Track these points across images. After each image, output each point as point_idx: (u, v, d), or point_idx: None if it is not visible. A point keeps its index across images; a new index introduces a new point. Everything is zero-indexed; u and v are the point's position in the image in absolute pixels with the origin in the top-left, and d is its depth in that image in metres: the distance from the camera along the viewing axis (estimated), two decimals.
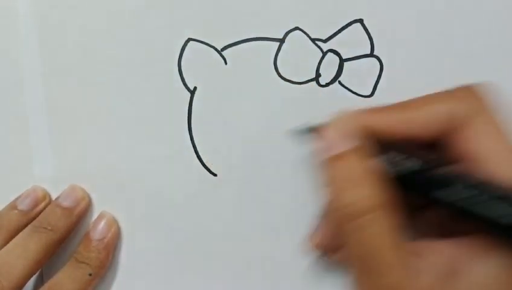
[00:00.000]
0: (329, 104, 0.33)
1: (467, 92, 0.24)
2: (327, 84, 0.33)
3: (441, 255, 0.23)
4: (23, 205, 0.33)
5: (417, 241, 0.24)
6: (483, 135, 0.23)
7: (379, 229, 0.22)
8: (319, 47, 0.32)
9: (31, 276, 0.31)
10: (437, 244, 0.23)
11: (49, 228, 0.32)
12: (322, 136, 0.25)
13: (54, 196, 0.34)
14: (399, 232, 0.23)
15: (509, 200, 0.21)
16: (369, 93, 0.33)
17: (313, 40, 0.32)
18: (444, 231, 0.25)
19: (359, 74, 0.32)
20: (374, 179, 0.23)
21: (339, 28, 0.32)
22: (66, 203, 0.33)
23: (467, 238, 0.23)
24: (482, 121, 0.23)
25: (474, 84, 0.24)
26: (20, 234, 0.32)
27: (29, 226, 0.32)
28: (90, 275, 0.32)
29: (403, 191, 0.24)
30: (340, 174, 0.24)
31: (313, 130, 0.29)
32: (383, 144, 0.24)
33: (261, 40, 0.32)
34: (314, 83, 0.33)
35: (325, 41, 0.32)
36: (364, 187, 0.23)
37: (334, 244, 0.29)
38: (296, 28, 0.32)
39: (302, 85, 0.33)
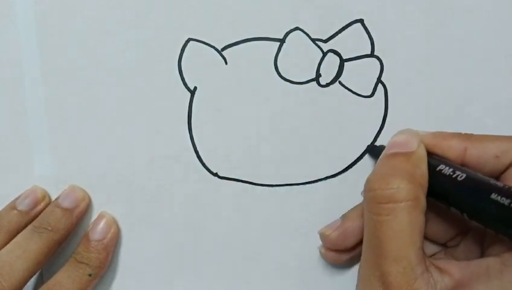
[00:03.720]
0: (330, 104, 0.33)
1: None
2: (327, 85, 0.33)
3: (461, 273, 0.24)
4: (22, 205, 0.33)
5: (440, 259, 0.25)
6: None
7: (404, 219, 0.24)
8: (319, 47, 0.32)
9: (31, 276, 0.31)
10: (460, 263, 0.24)
11: (49, 228, 0.32)
12: (392, 138, 0.28)
13: (54, 196, 0.34)
14: (422, 234, 0.24)
15: None
16: (369, 93, 0.33)
17: (313, 40, 0.32)
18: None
19: (359, 74, 0.32)
20: (418, 180, 0.25)
21: (339, 28, 0.32)
22: (65, 203, 0.33)
23: (490, 258, 0.24)
24: None
25: None
26: (20, 234, 0.32)
27: (29, 226, 0.32)
28: (89, 275, 0.32)
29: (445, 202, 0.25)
30: (393, 166, 0.26)
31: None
32: (439, 162, 0.26)
33: (261, 40, 0.32)
34: (314, 83, 0.33)
35: (325, 41, 0.32)
36: (406, 181, 0.24)
37: (348, 244, 0.30)
38: (297, 28, 0.32)
39: (302, 85, 0.33)
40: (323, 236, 0.31)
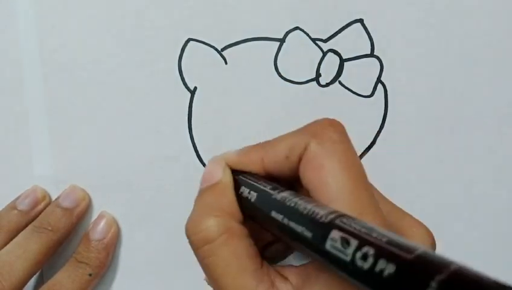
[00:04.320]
0: (330, 104, 0.33)
1: (312, 127, 0.25)
2: (327, 84, 0.33)
3: (297, 278, 0.24)
4: (22, 205, 0.33)
5: (284, 266, 0.25)
6: (321, 169, 0.23)
7: (226, 254, 0.23)
8: (319, 47, 0.32)
9: (31, 276, 0.31)
10: (295, 269, 0.24)
11: (49, 228, 0.32)
12: (205, 169, 0.27)
13: (54, 196, 0.34)
14: (254, 259, 0.24)
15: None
16: (369, 93, 0.33)
17: (313, 40, 0.32)
18: None
19: (359, 74, 0.32)
20: (232, 208, 0.25)
21: (339, 28, 0.32)
22: (66, 203, 0.33)
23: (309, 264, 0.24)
24: (320, 156, 0.23)
25: (325, 119, 0.25)
26: (21, 234, 0.32)
27: (30, 226, 0.32)
28: (90, 275, 0.32)
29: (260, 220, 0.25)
30: (206, 202, 0.26)
31: None
32: (245, 181, 0.26)
33: (261, 40, 0.32)
34: (314, 83, 0.33)
35: (325, 41, 0.32)
36: (223, 214, 0.24)
37: None
38: (297, 28, 0.32)
39: (302, 85, 0.33)
40: None
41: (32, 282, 0.33)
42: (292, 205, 0.22)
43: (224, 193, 0.26)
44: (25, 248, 0.31)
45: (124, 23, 0.33)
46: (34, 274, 0.32)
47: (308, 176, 0.23)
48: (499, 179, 0.34)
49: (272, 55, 0.33)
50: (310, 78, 0.33)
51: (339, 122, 0.25)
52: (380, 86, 0.33)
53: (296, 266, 0.24)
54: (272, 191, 0.24)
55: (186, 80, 0.33)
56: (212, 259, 0.24)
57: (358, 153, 0.33)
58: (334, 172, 0.22)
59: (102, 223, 0.33)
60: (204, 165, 0.33)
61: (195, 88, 0.33)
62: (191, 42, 0.33)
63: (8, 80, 0.34)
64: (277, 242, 0.28)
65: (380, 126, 0.33)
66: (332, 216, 0.20)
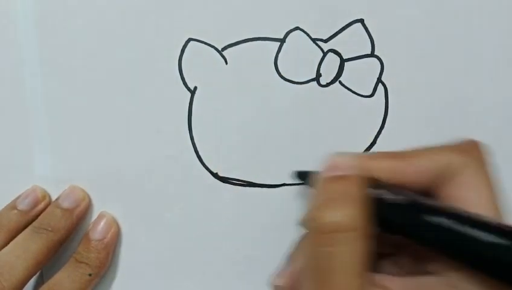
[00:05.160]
0: (330, 104, 0.33)
1: (462, 146, 0.25)
2: (328, 84, 0.33)
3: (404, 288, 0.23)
4: (22, 205, 0.33)
5: (386, 275, 0.24)
6: (469, 186, 0.23)
7: (349, 249, 0.22)
8: (319, 47, 0.32)
9: (31, 277, 0.31)
10: (403, 280, 0.23)
11: (49, 229, 0.32)
12: (329, 160, 0.25)
13: (54, 196, 0.34)
14: (367, 262, 0.23)
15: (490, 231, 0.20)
16: (369, 93, 0.33)
17: (314, 40, 0.32)
18: (412, 271, 0.25)
19: (360, 74, 0.32)
20: (362, 205, 0.23)
21: (340, 28, 0.32)
22: (66, 204, 0.33)
23: (434, 277, 0.23)
24: (470, 174, 0.23)
25: (473, 140, 0.25)
26: (21, 234, 0.32)
27: (30, 227, 0.32)
28: (90, 275, 0.32)
29: (385, 228, 0.24)
30: (335, 191, 0.24)
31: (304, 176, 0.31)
32: (377, 185, 0.25)
33: (262, 40, 0.32)
34: (314, 83, 0.33)
35: (325, 41, 0.32)
36: (351, 208, 0.23)
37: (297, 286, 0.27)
38: (297, 28, 0.32)
39: (302, 85, 0.33)
40: (277, 288, 0.28)
41: (32, 282, 0.33)
42: (465, 213, 0.21)
43: (361, 187, 0.24)
44: (25, 248, 0.31)
45: (124, 23, 0.33)
46: (34, 274, 0.32)
47: (455, 194, 0.23)
48: (499, 179, 0.34)
49: (272, 55, 0.33)
50: (310, 78, 0.33)
51: (483, 144, 0.25)
52: (380, 86, 0.33)
53: (397, 277, 0.23)
54: (421, 197, 0.23)
55: (186, 80, 0.33)
56: (334, 250, 0.22)
57: None
58: (487, 194, 0.23)
59: (102, 223, 0.33)
60: (204, 165, 0.33)
61: (195, 88, 0.33)
62: (191, 42, 0.33)
63: (8, 80, 0.34)
64: (384, 259, 0.27)
65: (380, 126, 0.33)
66: None
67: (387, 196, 0.24)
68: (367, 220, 0.23)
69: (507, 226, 0.20)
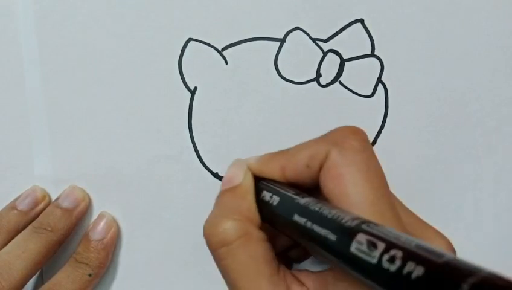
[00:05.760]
0: (330, 104, 0.33)
1: (329, 135, 0.25)
2: (328, 84, 0.33)
3: (314, 284, 0.24)
4: (22, 205, 0.33)
5: (303, 271, 0.25)
6: (332, 175, 0.23)
7: (240, 257, 0.23)
8: (319, 47, 0.32)
9: (31, 277, 0.31)
10: (315, 275, 0.24)
11: (49, 229, 0.32)
12: (226, 172, 0.27)
13: (54, 196, 0.34)
14: (272, 262, 0.24)
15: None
16: (369, 93, 0.33)
17: (314, 40, 0.32)
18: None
19: (360, 74, 0.32)
20: (251, 212, 0.25)
21: (340, 28, 0.32)
22: (65, 204, 0.33)
23: (331, 271, 0.24)
24: (333, 162, 0.23)
25: (346, 127, 0.25)
26: (20, 234, 0.32)
27: (29, 227, 0.32)
28: (89, 275, 0.32)
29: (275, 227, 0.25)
30: (226, 204, 0.26)
31: None
32: (267, 186, 0.26)
33: (262, 40, 0.32)
34: (314, 83, 0.33)
35: (325, 41, 0.32)
36: (242, 217, 0.24)
37: None
38: (297, 28, 0.32)
39: (302, 85, 0.33)
40: None
41: (32, 282, 0.33)
42: (316, 209, 0.22)
43: (244, 196, 0.26)
44: (25, 248, 0.31)
45: (124, 23, 0.33)
46: (34, 274, 0.32)
47: (328, 185, 0.23)
48: (499, 179, 0.34)
49: (273, 55, 0.33)
50: (310, 78, 0.33)
51: (360, 130, 0.24)
52: (380, 86, 0.33)
53: (313, 272, 0.24)
54: (295, 196, 0.23)
55: (186, 80, 0.33)
56: (229, 261, 0.24)
57: None
58: (355, 182, 0.22)
59: (102, 223, 0.33)
60: (204, 165, 0.33)
61: (195, 88, 0.33)
62: (191, 42, 0.33)
63: (8, 80, 0.34)
64: (295, 248, 0.28)
65: (381, 126, 0.33)
66: (358, 221, 0.19)
67: (266, 197, 0.25)
68: (252, 226, 0.24)
69: (346, 220, 0.20)
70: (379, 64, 0.32)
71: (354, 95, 0.33)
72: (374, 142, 0.33)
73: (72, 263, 0.32)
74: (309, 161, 0.24)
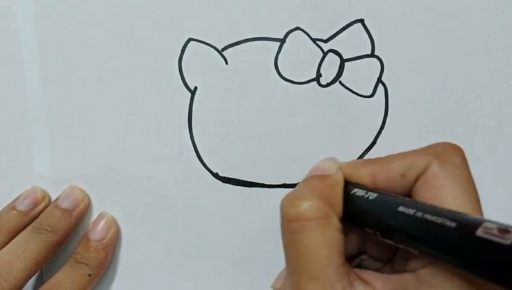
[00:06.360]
0: (330, 104, 0.33)
1: (429, 148, 0.25)
2: (328, 84, 0.33)
3: (385, 285, 0.24)
4: (22, 206, 0.33)
5: (370, 271, 0.25)
6: (432, 185, 0.24)
7: (314, 236, 0.23)
8: (319, 47, 0.32)
9: (31, 277, 0.31)
10: (384, 277, 0.24)
11: (49, 229, 0.32)
12: (316, 164, 0.27)
13: (53, 196, 0.34)
14: (341, 253, 0.24)
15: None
16: (369, 93, 0.33)
17: (314, 40, 0.32)
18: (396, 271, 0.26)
19: (360, 74, 0.32)
20: (328, 198, 0.25)
21: (340, 28, 0.32)
22: (65, 204, 0.33)
23: (409, 274, 0.24)
24: (433, 173, 0.24)
25: (446, 143, 0.25)
26: (20, 235, 0.32)
27: (29, 227, 0.32)
28: (89, 275, 0.32)
29: (357, 223, 0.25)
30: (313, 185, 0.26)
31: None
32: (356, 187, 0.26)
33: (262, 40, 0.32)
34: (314, 83, 0.33)
35: (325, 41, 0.32)
36: (315, 200, 0.24)
37: None
38: (297, 28, 0.32)
39: (302, 85, 0.33)
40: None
41: (31, 282, 0.33)
42: (426, 203, 0.22)
43: (333, 185, 0.26)
44: (24, 249, 0.31)
45: (124, 23, 0.33)
46: (34, 275, 0.32)
47: (425, 195, 0.23)
48: (499, 179, 0.34)
49: (273, 55, 0.33)
50: (310, 78, 0.33)
51: (460, 147, 0.25)
52: (380, 86, 0.33)
53: (383, 274, 0.24)
54: (394, 195, 0.24)
55: (186, 80, 0.33)
56: (302, 236, 0.24)
57: (359, 154, 0.33)
58: (455, 194, 0.23)
59: (101, 224, 0.33)
60: (204, 165, 0.33)
61: (196, 88, 0.33)
62: (191, 42, 0.33)
63: (8, 80, 0.33)
64: (361, 255, 0.29)
65: (381, 126, 0.33)
66: (479, 216, 0.20)
67: (360, 193, 0.25)
68: (334, 213, 0.24)
69: (469, 217, 0.20)
70: (379, 64, 0.32)
71: (354, 95, 0.33)
72: (374, 142, 0.33)
73: (72, 263, 0.32)
74: (405, 171, 0.25)
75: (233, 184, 0.34)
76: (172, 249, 0.34)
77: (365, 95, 0.33)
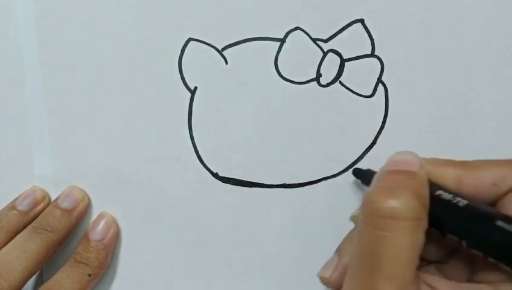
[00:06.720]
0: (330, 104, 0.33)
1: None
2: (328, 84, 0.33)
3: None
4: (22, 206, 0.33)
5: (436, 277, 0.24)
6: None
7: (404, 238, 0.22)
8: (319, 47, 0.32)
9: (31, 276, 0.31)
10: (452, 285, 0.24)
11: (49, 229, 0.32)
12: (393, 157, 0.26)
13: (53, 196, 0.34)
14: (419, 256, 0.23)
15: None
16: (369, 93, 0.33)
17: (314, 40, 0.32)
18: (459, 279, 0.25)
19: (360, 74, 0.32)
20: (423, 199, 0.23)
21: (340, 28, 0.32)
22: (65, 204, 0.33)
23: (485, 286, 0.23)
24: None
25: None
26: (20, 235, 0.32)
27: (29, 227, 0.32)
28: (89, 275, 0.32)
29: (439, 228, 0.24)
30: (397, 182, 0.24)
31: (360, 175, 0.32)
32: (437, 188, 0.25)
33: (262, 40, 0.32)
34: (314, 83, 0.33)
35: (325, 41, 0.32)
36: (412, 199, 0.23)
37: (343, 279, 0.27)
38: (297, 28, 0.32)
39: (302, 85, 0.33)
40: (323, 280, 0.28)
41: (31, 282, 0.33)
42: None
43: (423, 185, 0.24)
44: (24, 249, 0.31)
45: (124, 23, 0.33)
46: (33, 274, 0.32)
47: (510, 206, 0.23)
48: None
49: (273, 55, 0.33)
50: (310, 78, 0.33)
51: None
52: (380, 86, 0.33)
53: (452, 281, 0.24)
54: (485, 204, 0.23)
55: (186, 80, 0.33)
56: (390, 235, 0.22)
57: (359, 154, 0.33)
58: None
59: (101, 224, 0.33)
60: (204, 165, 0.33)
61: (195, 88, 0.33)
62: (191, 42, 0.33)
63: (8, 80, 0.34)
64: (429, 264, 0.28)
65: (381, 126, 0.33)
66: None
67: (447, 197, 0.24)
68: (426, 216, 0.23)
69: None
70: (379, 64, 0.32)
71: (354, 95, 0.33)
72: (374, 142, 0.33)
73: (72, 263, 0.32)
74: (498, 180, 0.24)
75: (233, 184, 0.34)
76: (172, 249, 0.34)
77: (365, 95, 0.33)
